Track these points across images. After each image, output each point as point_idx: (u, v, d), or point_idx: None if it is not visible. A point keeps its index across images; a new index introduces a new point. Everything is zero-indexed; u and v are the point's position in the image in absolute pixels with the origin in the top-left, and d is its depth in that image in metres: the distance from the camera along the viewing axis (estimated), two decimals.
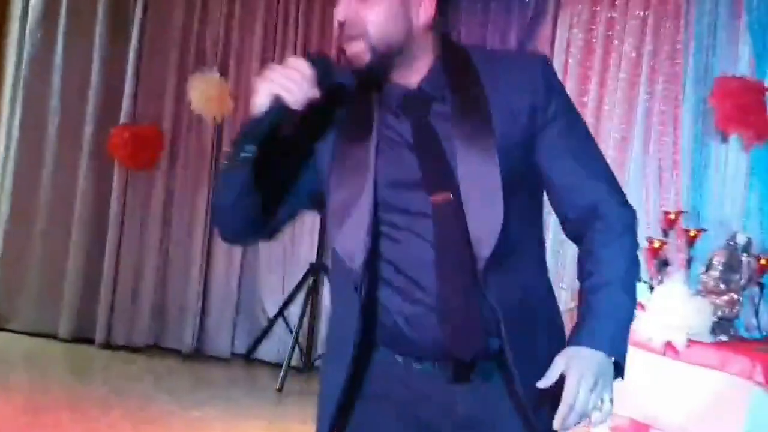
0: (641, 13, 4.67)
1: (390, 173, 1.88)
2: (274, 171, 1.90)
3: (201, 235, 6.16)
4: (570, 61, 5.05)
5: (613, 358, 1.82)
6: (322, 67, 1.84)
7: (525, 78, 1.87)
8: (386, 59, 1.84)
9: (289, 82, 1.81)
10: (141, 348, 6.04)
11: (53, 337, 6.04)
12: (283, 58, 5.95)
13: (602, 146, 4.74)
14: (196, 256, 6.16)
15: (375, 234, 1.86)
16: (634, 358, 3.77)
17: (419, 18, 1.83)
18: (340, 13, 1.84)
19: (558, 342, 1.92)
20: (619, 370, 1.84)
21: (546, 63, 1.94)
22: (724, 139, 4.19)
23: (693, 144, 4.34)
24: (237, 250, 6.17)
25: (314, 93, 1.83)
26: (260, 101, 1.84)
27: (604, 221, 1.88)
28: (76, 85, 6.14)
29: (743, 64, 4.18)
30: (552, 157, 1.88)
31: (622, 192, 1.95)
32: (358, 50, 1.83)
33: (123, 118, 6.03)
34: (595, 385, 1.76)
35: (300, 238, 6.18)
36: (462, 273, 1.84)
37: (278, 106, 1.81)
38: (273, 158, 1.88)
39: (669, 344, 3.69)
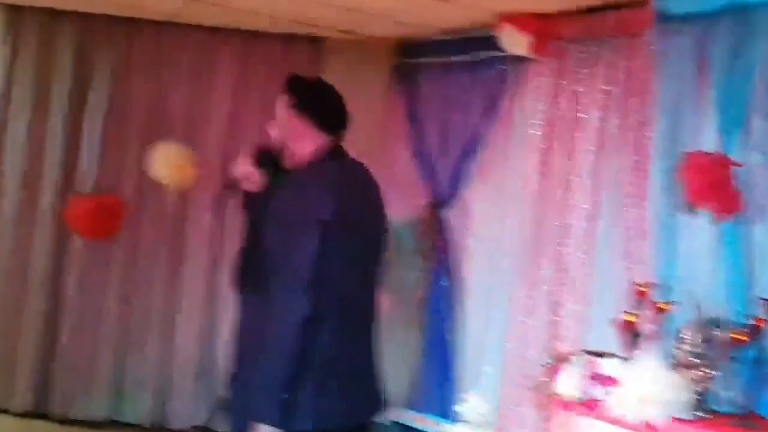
0: (606, 88, 4.72)
1: None
2: None
3: (161, 304, 6.06)
4: (534, 133, 5.08)
5: None
6: (266, 158, 3.36)
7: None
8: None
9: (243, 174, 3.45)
10: (99, 422, 5.88)
11: (6, 411, 5.85)
12: (248, 126, 6.08)
13: (571, 216, 4.80)
14: (156, 326, 6.05)
15: None
16: None
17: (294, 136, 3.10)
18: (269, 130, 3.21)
19: None
20: None
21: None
22: (693, 212, 4.22)
23: (662, 216, 4.36)
24: (199, 318, 6.08)
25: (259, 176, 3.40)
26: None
27: None
28: (34, 153, 6.05)
29: (710, 138, 4.23)
30: None
31: None
32: None
33: (82, 187, 5.95)
34: None
35: None
36: None
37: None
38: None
39: (648, 422, 3.65)
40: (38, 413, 5.87)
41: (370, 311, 3.01)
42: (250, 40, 6.17)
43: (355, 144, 3.14)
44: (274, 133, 3.13)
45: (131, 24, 6.11)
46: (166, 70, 6.15)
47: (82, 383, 5.91)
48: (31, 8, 6.11)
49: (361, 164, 3.15)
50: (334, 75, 6.26)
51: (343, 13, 5.43)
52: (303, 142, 3.04)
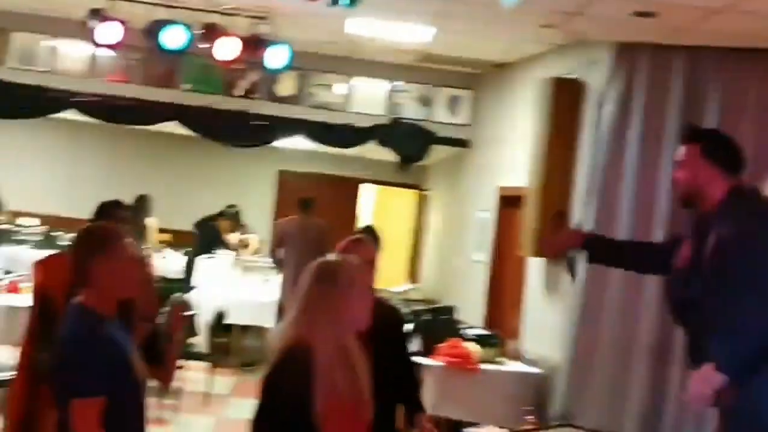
0: None
1: None
2: None
3: None
4: None
5: None
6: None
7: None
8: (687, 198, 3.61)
9: None
10: None
11: None
12: None
13: None
14: None
15: None
16: None
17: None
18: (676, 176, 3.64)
19: None
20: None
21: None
22: None
23: None
24: None
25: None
26: None
27: None
28: (646, 185, 6.21)
29: None
30: None
31: None
32: None
33: None
34: None
35: None
36: None
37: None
38: None
39: None
40: None
41: None
42: None
43: None
44: (683, 179, 3.50)
45: (740, 54, 5.91)
46: None
47: (690, 418, 5.94)
48: (642, 44, 6.25)
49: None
50: None
51: None
52: (714, 186, 3.42)
